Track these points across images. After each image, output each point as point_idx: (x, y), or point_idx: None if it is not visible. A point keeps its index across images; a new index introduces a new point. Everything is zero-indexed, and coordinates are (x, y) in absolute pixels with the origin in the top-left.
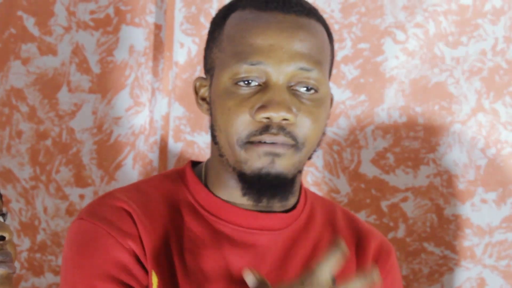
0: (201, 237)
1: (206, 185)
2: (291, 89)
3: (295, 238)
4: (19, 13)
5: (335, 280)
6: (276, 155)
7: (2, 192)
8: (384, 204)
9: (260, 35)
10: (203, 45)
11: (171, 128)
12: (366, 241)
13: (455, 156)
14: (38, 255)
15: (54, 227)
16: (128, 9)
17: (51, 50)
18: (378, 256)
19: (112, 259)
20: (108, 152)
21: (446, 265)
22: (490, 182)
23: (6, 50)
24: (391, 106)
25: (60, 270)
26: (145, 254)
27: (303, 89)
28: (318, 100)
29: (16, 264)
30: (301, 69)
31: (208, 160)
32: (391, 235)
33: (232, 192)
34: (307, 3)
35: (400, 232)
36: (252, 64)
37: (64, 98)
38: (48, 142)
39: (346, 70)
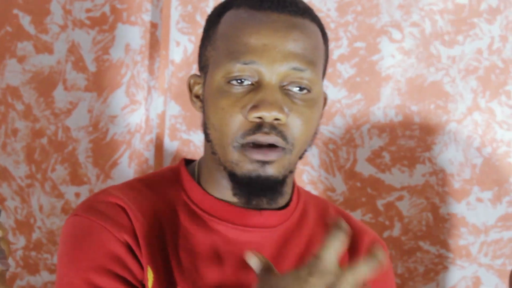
0: (195, 235)
1: (199, 183)
2: (283, 89)
3: (288, 235)
4: (15, 11)
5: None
6: (267, 162)
7: None
8: (379, 203)
9: (254, 34)
10: (199, 43)
11: (167, 127)
12: (359, 239)
13: (450, 155)
14: (33, 253)
15: (50, 225)
16: (124, 8)
17: (47, 49)
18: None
19: (107, 252)
20: (104, 150)
21: (442, 264)
22: (486, 181)
23: (2, 48)
24: (387, 105)
25: (56, 267)
26: (140, 249)
27: (295, 89)
28: (310, 100)
29: (12, 262)
30: (294, 69)
31: (201, 158)
32: (386, 233)
33: (224, 190)
34: (302, 3)
35: (396, 231)
36: (245, 63)
37: (60, 96)
38: (44, 140)
39: (342, 69)
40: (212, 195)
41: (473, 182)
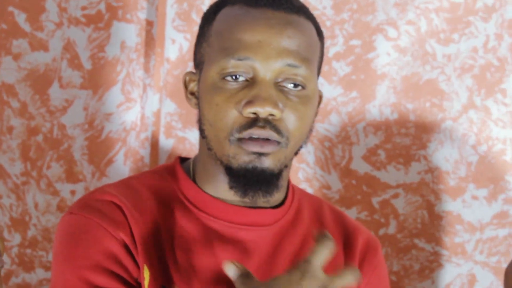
0: (191, 233)
1: (194, 181)
2: (278, 85)
3: (283, 233)
4: (10, 8)
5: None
6: (263, 154)
7: None
8: (375, 201)
9: (249, 31)
10: (194, 41)
11: (162, 124)
12: (354, 237)
13: (446, 153)
14: (28, 251)
15: (45, 223)
16: (120, 5)
17: (42, 46)
18: (365, 252)
19: (103, 250)
20: (99, 148)
21: (437, 261)
22: (481, 179)
23: None
24: (382, 102)
25: (51, 265)
26: (136, 247)
27: (290, 86)
28: (305, 97)
29: (7, 260)
30: (289, 65)
31: (196, 156)
32: (382, 231)
33: (219, 186)
34: (297, 1)
35: (391, 229)
36: (240, 60)
37: (55, 94)
38: (39, 138)
39: (337, 67)
40: (207, 193)
41: (468, 180)
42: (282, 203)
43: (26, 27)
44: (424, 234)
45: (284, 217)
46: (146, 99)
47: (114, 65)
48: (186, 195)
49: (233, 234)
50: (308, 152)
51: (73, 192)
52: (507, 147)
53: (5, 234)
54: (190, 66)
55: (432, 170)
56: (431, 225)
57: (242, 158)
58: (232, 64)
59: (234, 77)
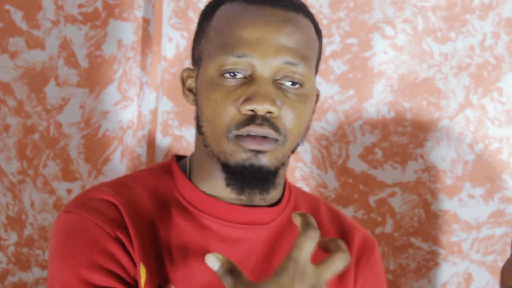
0: (187, 232)
1: (190, 179)
2: (276, 83)
3: (280, 232)
4: (7, 6)
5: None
6: (261, 152)
7: None
8: (372, 199)
9: (247, 28)
10: (191, 39)
11: (159, 123)
12: (350, 236)
13: (443, 152)
14: (25, 250)
15: (42, 222)
16: (117, 3)
17: (39, 44)
18: (362, 251)
19: (99, 249)
20: (96, 146)
21: (434, 260)
22: (478, 178)
23: None
24: (379, 101)
25: (47, 264)
26: (132, 245)
27: (288, 83)
28: (303, 95)
29: (3, 259)
30: (287, 63)
31: (193, 154)
32: (378, 230)
33: (215, 184)
34: None
35: (388, 227)
36: (238, 56)
37: (52, 92)
38: (36, 136)
39: (334, 65)
40: (203, 191)
41: (465, 179)
42: (278, 202)
43: (23, 25)
44: (421, 233)
45: (280, 215)
46: (143, 97)
47: (110, 63)
48: (182, 194)
49: (229, 233)
50: (305, 151)
51: (69, 191)
52: (503, 145)
53: (2, 233)
54: (187, 64)
55: (428, 169)
56: (427, 224)
57: (239, 155)
58: (230, 61)
59: (232, 74)
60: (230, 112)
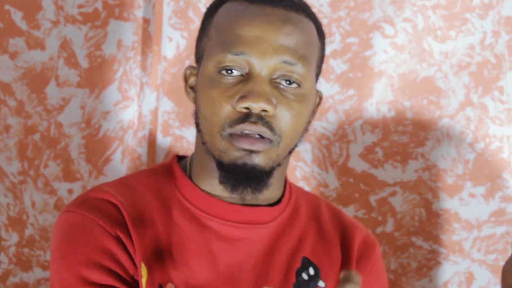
0: (188, 232)
1: (191, 179)
2: (273, 82)
3: (280, 232)
4: (7, 7)
5: None
6: (253, 151)
7: None
8: (372, 199)
9: (247, 26)
10: (191, 39)
11: (160, 123)
12: (351, 235)
13: (443, 151)
14: (26, 250)
15: (43, 222)
16: (117, 3)
17: (39, 45)
18: (362, 250)
19: (99, 247)
20: (97, 146)
21: (435, 260)
22: (479, 177)
23: None
24: (379, 100)
25: (49, 264)
26: (133, 245)
27: (285, 83)
28: (300, 95)
29: (4, 259)
30: (284, 62)
31: (193, 153)
32: (379, 229)
33: (213, 183)
34: None
35: (389, 227)
36: (236, 54)
37: (52, 92)
38: (36, 136)
39: (334, 65)
40: (204, 191)
41: (465, 178)
42: (279, 201)
43: (23, 26)
44: (422, 232)
45: (281, 215)
46: (143, 97)
47: (111, 64)
48: (183, 193)
49: (230, 232)
50: (306, 150)
51: (70, 191)
52: (504, 144)
53: (3, 233)
54: (187, 64)
55: (429, 168)
56: (428, 223)
57: (232, 153)
58: (228, 59)
59: (230, 72)
60: (225, 110)
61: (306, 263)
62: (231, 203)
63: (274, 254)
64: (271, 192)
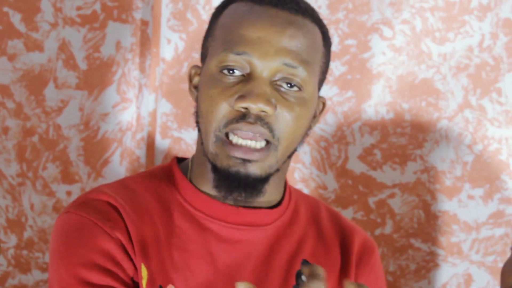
0: (188, 233)
1: (191, 181)
2: (274, 84)
3: (280, 234)
4: (5, 9)
5: None
6: (248, 161)
7: None
8: (371, 200)
9: (250, 27)
10: (190, 41)
11: (158, 125)
12: (350, 238)
13: (442, 152)
14: (25, 252)
15: (41, 224)
16: (115, 5)
17: (37, 46)
18: (361, 253)
19: (98, 248)
20: (95, 148)
21: (433, 261)
22: (477, 178)
23: None
24: (378, 102)
25: (48, 265)
26: (133, 247)
27: (286, 86)
28: (301, 99)
29: (3, 261)
30: (286, 65)
31: (194, 155)
32: (378, 231)
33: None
34: (305, 3)
35: (388, 228)
36: (238, 54)
37: (51, 94)
38: (35, 138)
39: (333, 67)
40: (204, 192)
41: (464, 179)
42: (279, 204)
43: (21, 28)
44: (420, 234)
45: (281, 217)
46: (142, 99)
47: (109, 65)
48: (183, 195)
49: (230, 234)
50: (304, 152)
51: (69, 193)
52: (502, 146)
53: (1, 236)
54: (186, 66)
55: (428, 170)
56: (427, 225)
57: (225, 160)
58: (230, 58)
59: (231, 71)
60: (223, 108)
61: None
62: (231, 205)
63: (274, 256)
64: (268, 196)
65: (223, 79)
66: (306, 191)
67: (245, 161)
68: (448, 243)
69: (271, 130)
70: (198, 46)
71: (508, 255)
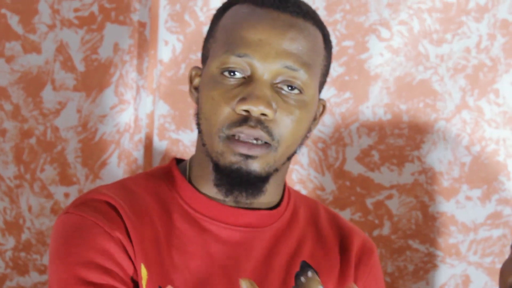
0: (187, 234)
1: (190, 182)
2: (275, 87)
3: (279, 235)
4: (3, 11)
5: None
6: (250, 157)
7: None
8: (369, 202)
9: (251, 29)
10: (187, 43)
11: (156, 126)
12: (349, 240)
13: (439, 154)
14: (23, 254)
15: (39, 226)
16: (113, 7)
17: (35, 48)
18: (361, 254)
19: (97, 247)
20: (93, 150)
21: (431, 262)
22: (475, 179)
23: None
24: (375, 103)
25: (47, 267)
26: (132, 247)
27: (287, 88)
28: (301, 102)
29: (1, 263)
30: (287, 67)
31: (193, 156)
32: (376, 232)
33: (211, 185)
34: (306, 6)
35: (385, 230)
36: (239, 56)
37: (49, 96)
38: (33, 140)
39: (331, 68)
40: (203, 193)
41: (462, 181)
42: (278, 205)
43: (19, 30)
44: (418, 235)
45: (280, 219)
46: (140, 101)
47: (107, 67)
48: (182, 196)
49: (229, 235)
50: (302, 154)
51: (67, 195)
52: (500, 147)
53: None
54: (184, 68)
55: (425, 171)
56: (425, 226)
57: (229, 157)
58: (231, 60)
59: (232, 73)
60: (225, 111)
61: (305, 267)
62: (230, 206)
63: (273, 257)
64: (268, 196)
65: (224, 81)
66: (304, 192)
67: (247, 157)
68: (446, 244)
69: (270, 134)
70: (195, 47)
71: (507, 255)
